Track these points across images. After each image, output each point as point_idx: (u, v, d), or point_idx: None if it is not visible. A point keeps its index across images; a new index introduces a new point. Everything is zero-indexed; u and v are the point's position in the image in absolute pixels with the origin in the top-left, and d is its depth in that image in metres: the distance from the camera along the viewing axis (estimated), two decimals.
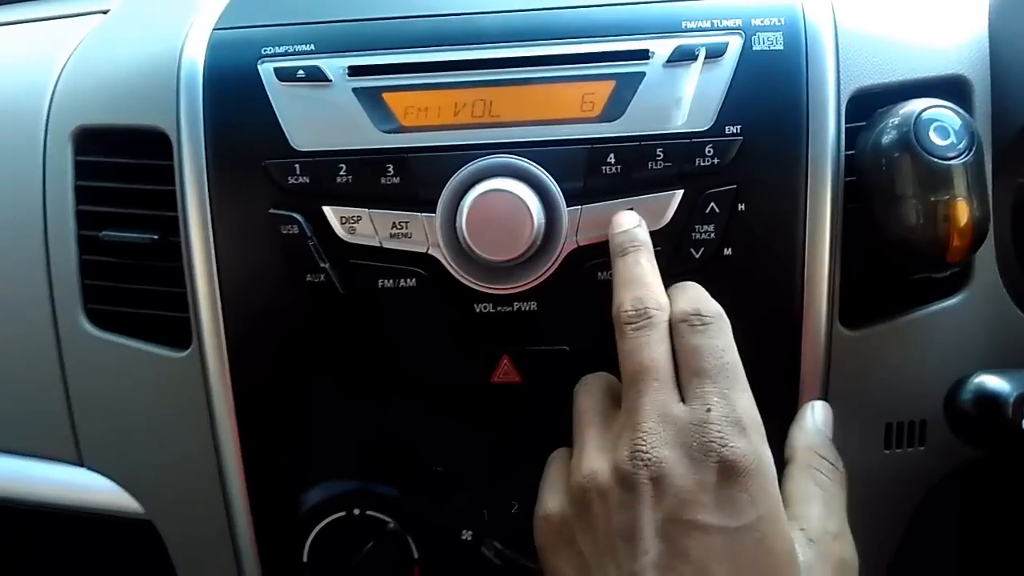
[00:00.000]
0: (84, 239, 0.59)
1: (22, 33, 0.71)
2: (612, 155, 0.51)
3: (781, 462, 0.48)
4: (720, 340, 0.46)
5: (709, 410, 0.43)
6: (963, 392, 0.48)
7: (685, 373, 0.45)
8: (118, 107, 0.59)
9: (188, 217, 0.54)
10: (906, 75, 0.54)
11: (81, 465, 0.62)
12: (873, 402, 0.55)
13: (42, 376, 0.61)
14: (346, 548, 0.56)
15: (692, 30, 0.52)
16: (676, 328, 0.46)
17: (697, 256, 0.51)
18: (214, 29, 0.56)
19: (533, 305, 0.53)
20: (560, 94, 0.52)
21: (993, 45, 0.55)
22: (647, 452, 0.42)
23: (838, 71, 0.52)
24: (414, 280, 0.52)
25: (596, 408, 0.48)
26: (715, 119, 0.51)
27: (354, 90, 0.52)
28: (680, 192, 0.51)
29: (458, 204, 0.50)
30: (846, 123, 0.52)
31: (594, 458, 0.44)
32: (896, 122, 0.49)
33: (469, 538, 0.56)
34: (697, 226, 0.51)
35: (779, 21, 0.52)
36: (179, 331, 0.57)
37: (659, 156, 0.51)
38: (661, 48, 0.51)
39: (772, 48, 0.51)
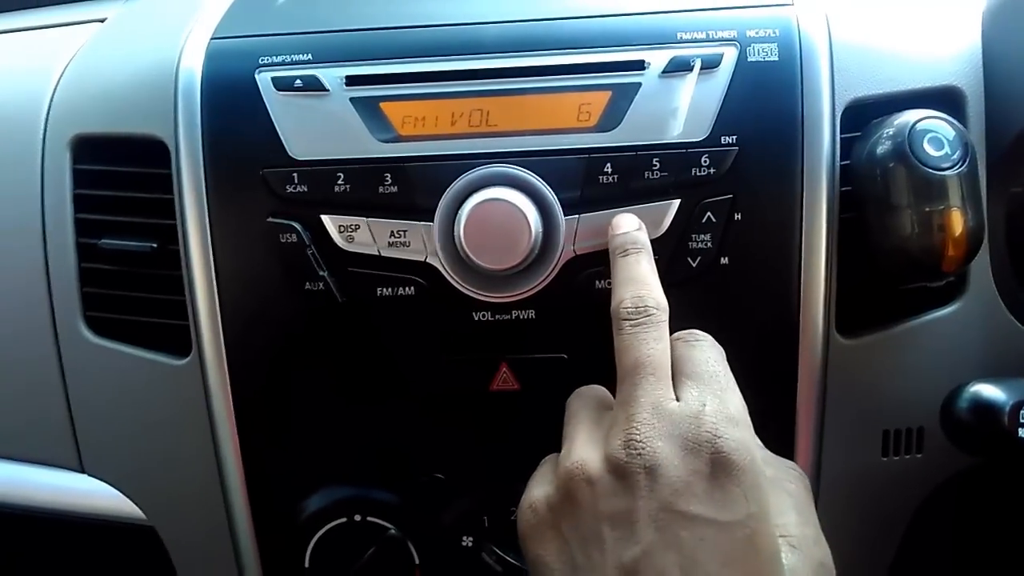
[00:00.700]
0: (83, 247, 0.60)
1: (20, 41, 0.71)
2: (609, 165, 0.51)
3: None
4: (712, 354, 0.46)
5: (704, 405, 0.43)
6: (959, 401, 0.48)
7: (678, 377, 0.45)
8: (116, 116, 0.59)
9: (186, 225, 0.54)
10: (900, 86, 0.54)
11: (82, 472, 0.63)
12: (870, 410, 0.56)
13: (43, 384, 0.62)
14: (347, 554, 0.56)
15: (688, 41, 0.52)
16: (671, 344, 0.46)
17: (694, 265, 0.52)
18: (212, 38, 0.56)
19: (531, 313, 0.53)
20: (557, 104, 0.52)
21: (986, 56, 0.55)
22: (641, 442, 0.42)
23: (833, 82, 0.52)
24: (412, 288, 0.53)
25: (587, 410, 0.48)
26: (711, 129, 0.51)
27: (351, 100, 0.52)
28: (677, 202, 0.51)
29: (456, 213, 0.51)
30: (841, 133, 0.53)
31: (582, 449, 0.44)
32: (891, 133, 0.49)
33: (469, 544, 0.56)
34: (694, 235, 0.51)
35: (774, 32, 0.52)
36: (179, 339, 0.57)
37: (656, 166, 0.51)
38: (657, 59, 0.52)
39: (767, 59, 0.51)
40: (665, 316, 0.46)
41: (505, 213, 0.50)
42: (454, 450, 0.56)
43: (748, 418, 0.45)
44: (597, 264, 0.51)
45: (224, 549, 0.59)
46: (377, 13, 0.57)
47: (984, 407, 0.47)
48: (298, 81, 0.53)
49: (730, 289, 0.52)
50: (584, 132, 0.52)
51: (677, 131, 0.51)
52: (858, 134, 0.52)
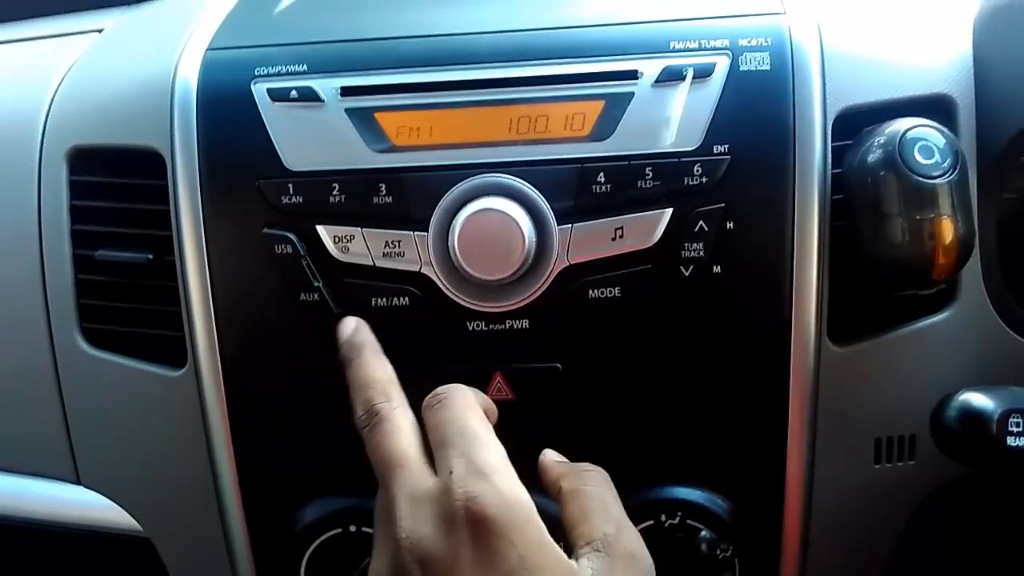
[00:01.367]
0: (79, 259, 0.60)
1: (18, 52, 0.71)
2: (602, 174, 0.51)
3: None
4: (455, 410, 0.47)
5: (451, 472, 0.43)
6: (948, 409, 0.48)
7: (434, 450, 0.46)
8: (112, 127, 0.59)
9: (182, 237, 0.54)
10: (892, 94, 0.55)
11: (78, 483, 0.63)
12: (862, 417, 0.56)
13: (39, 395, 0.62)
14: (343, 565, 0.56)
15: (680, 51, 0.52)
16: (422, 416, 0.47)
17: (687, 274, 0.52)
18: (208, 50, 0.56)
19: (525, 323, 0.53)
20: (551, 114, 0.52)
21: (977, 64, 0.56)
22: (407, 538, 0.42)
23: (824, 91, 0.53)
24: (407, 299, 0.53)
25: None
26: (703, 138, 0.51)
27: (347, 110, 0.53)
28: (669, 211, 0.51)
29: (450, 223, 0.51)
30: (833, 142, 0.53)
31: (380, 551, 0.45)
32: (881, 141, 0.50)
33: None
34: (686, 244, 0.51)
35: (766, 42, 0.52)
36: (175, 350, 0.57)
37: (648, 175, 0.51)
38: (649, 68, 0.52)
39: (759, 68, 0.52)
40: (396, 403, 0.47)
41: (499, 223, 0.50)
42: None
43: (501, 462, 0.44)
44: (591, 274, 0.52)
45: (220, 560, 0.59)
46: (372, 24, 0.57)
47: (973, 416, 0.47)
48: (293, 92, 0.53)
49: (722, 297, 0.52)
50: (577, 142, 0.52)
51: (670, 140, 0.51)
52: (850, 142, 0.53)
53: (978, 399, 0.48)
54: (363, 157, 0.52)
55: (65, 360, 0.61)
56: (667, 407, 0.54)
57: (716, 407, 0.54)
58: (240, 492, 0.57)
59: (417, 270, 0.52)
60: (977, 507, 0.60)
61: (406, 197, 0.52)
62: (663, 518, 0.55)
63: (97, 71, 0.64)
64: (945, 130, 0.50)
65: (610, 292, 0.52)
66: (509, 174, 0.52)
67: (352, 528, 0.56)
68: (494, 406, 0.51)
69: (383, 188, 0.52)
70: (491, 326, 0.53)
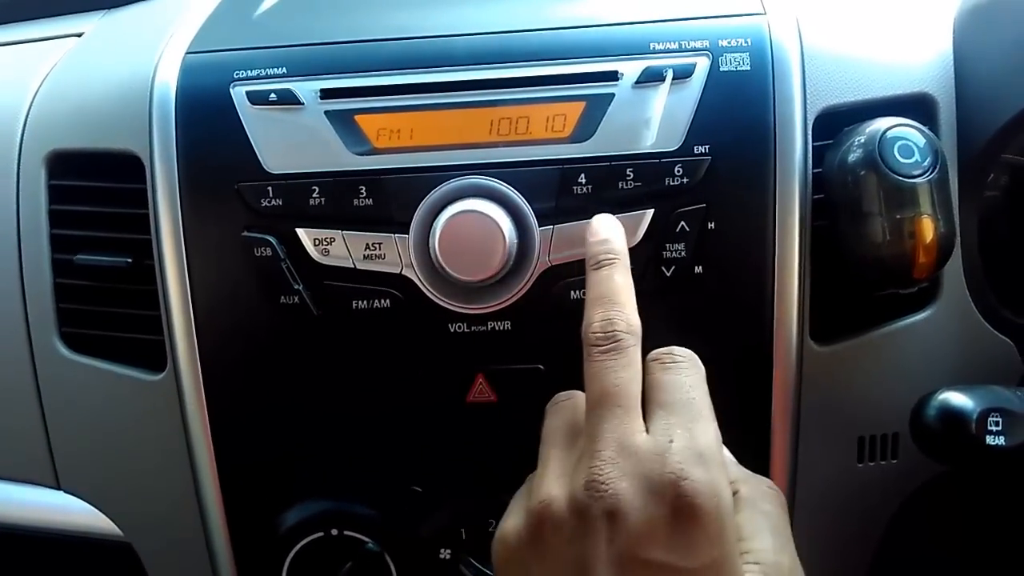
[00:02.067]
0: (58, 263, 0.60)
1: None
2: (583, 175, 0.51)
3: None
4: (689, 378, 0.45)
5: (672, 441, 0.41)
6: (927, 409, 0.48)
7: (650, 405, 0.44)
8: (91, 131, 0.59)
9: (161, 240, 0.54)
10: (872, 94, 0.55)
11: (58, 488, 0.62)
12: (845, 416, 0.56)
13: (18, 399, 0.61)
14: (325, 568, 0.56)
15: (660, 52, 0.52)
16: (647, 365, 0.46)
17: (668, 274, 0.52)
18: (187, 53, 0.56)
19: (507, 324, 0.53)
20: (531, 115, 0.52)
21: (958, 63, 0.56)
22: (604, 483, 0.40)
23: (804, 90, 0.53)
24: (388, 301, 0.53)
25: (562, 429, 0.47)
26: (684, 139, 0.51)
27: (326, 113, 0.52)
28: (650, 211, 0.51)
29: (431, 225, 0.51)
30: (813, 141, 0.53)
31: (551, 484, 0.43)
32: (861, 141, 0.50)
33: (447, 557, 0.56)
34: (668, 244, 0.51)
35: (745, 42, 0.52)
36: (154, 354, 0.57)
37: (629, 176, 0.51)
38: (630, 69, 0.52)
39: (739, 69, 0.52)
40: (636, 339, 0.45)
41: (479, 225, 0.50)
42: (431, 463, 0.55)
43: (719, 451, 0.43)
44: (572, 274, 0.52)
45: (201, 564, 0.59)
46: (352, 26, 0.57)
47: (952, 415, 0.47)
48: (273, 95, 0.53)
49: (704, 297, 0.52)
50: (558, 143, 0.52)
51: (650, 141, 0.51)
52: (830, 142, 0.53)
53: (957, 398, 0.48)
54: (343, 159, 0.52)
55: (44, 364, 0.60)
56: None
57: None
58: (221, 496, 0.56)
59: (398, 272, 0.52)
60: (960, 504, 0.61)
61: (387, 199, 0.52)
62: None
63: (76, 75, 0.64)
64: (925, 129, 0.50)
65: None
66: (490, 176, 0.52)
67: (334, 531, 0.56)
68: None
69: (363, 190, 0.52)
70: (473, 327, 0.53)
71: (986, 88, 0.55)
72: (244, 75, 0.54)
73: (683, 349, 0.47)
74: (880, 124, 0.50)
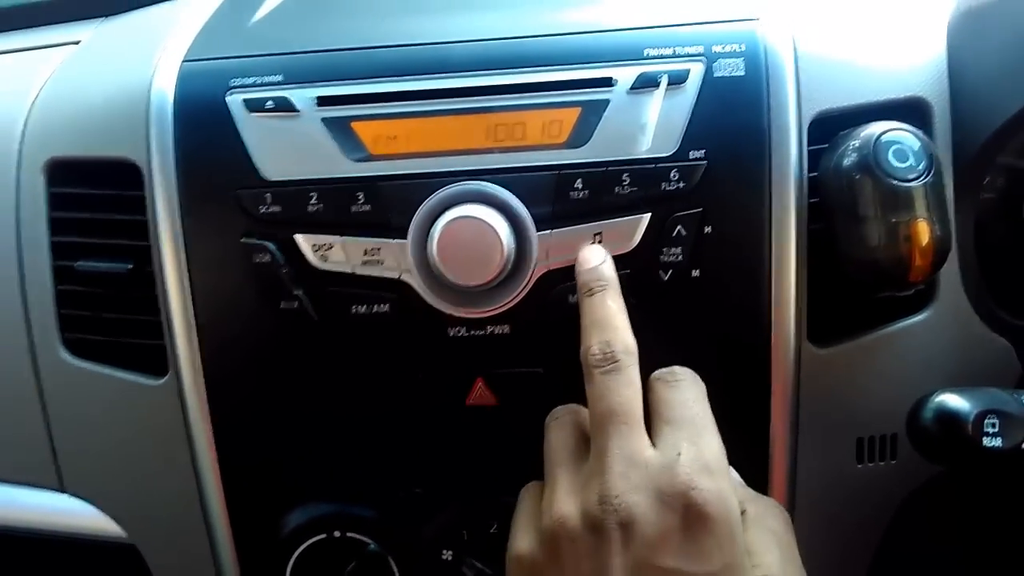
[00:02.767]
0: (59, 270, 0.60)
1: None
2: (580, 180, 0.51)
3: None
4: (691, 394, 0.47)
5: (679, 454, 0.43)
6: (924, 411, 0.48)
7: (656, 421, 0.46)
8: (89, 139, 0.59)
9: (161, 247, 0.54)
10: (866, 98, 0.55)
11: (62, 491, 0.63)
12: (843, 418, 0.56)
13: (22, 405, 0.62)
14: (328, 570, 0.56)
15: (655, 57, 0.52)
16: (650, 384, 0.47)
17: (666, 278, 0.52)
18: (184, 61, 0.56)
19: (506, 328, 0.53)
20: (527, 121, 0.52)
21: (952, 66, 0.56)
22: (616, 497, 0.42)
23: (799, 95, 0.53)
24: (387, 306, 0.53)
25: (567, 446, 0.48)
26: (679, 144, 0.51)
27: (323, 120, 0.53)
28: (647, 216, 0.51)
29: (429, 230, 0.51)
30: (808, 146, 0.53)
31: (564, 501, 0.44)
32: (856, 145, 0.50)
33: (449, 558, 0.57)
34: (665, 249, 0.52)
35: (740, 47, 0.52)
36: (156, 359, 0.57)
37: (625, 181, 0.51)
38: (624, 75, 0.52)
39: (733, 74, 0.52)
40: (633, 359, 0.46)
41: (477, 230, 0.50)
42: (433, 465, 0.56)
43: (725, 463, 0.45)
44: (570, 278, 0.52)
45: (205, 566, 0.59)
46: (348, 33, 0.57)
47: (949, 417, 0.47)
48: (269, 102, 0.53)
49: (702, 301, 0.52)
50: (554, 149, 0.52)
51: (646, 146, 0.51)
52: (825, 146, 0.53)
53: (954, 400, 0.48)
54: (340, 166, 0.52)
55: (47, 370, 0.61)
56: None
57: None
58: (224, 498, 0.57)
59: (397, 277, 0.52)
60: (960, 504, 0.61)
61: (384, 205, 0.52)
62: None
63: (74, 83, 0.64)
64: (919, 133, 0.50)
65: None
66: (487, 181, 0.52)
67: (337, 533, 0.56)
68: None
69: (361, 196, 0.52)
70: (472, 332, 0.53)
71: (981, 91, 0.55)
72: (241, 83, 0.54)
73: (683, 368, 0.49)
74: (875, 128, 0.50)
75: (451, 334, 0.53)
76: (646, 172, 0.51)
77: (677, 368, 0.48)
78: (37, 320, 0.61)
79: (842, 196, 0.50)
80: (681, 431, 0.45)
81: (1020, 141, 0.56)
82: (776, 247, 0.52)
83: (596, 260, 0.50)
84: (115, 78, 0.60)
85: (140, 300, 0.57)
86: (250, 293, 0.54)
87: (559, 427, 0.49)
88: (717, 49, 0.52)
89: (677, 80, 0.52)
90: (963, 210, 0.55)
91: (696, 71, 0.52)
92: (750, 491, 0.49)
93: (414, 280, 0.52)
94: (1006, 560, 0.63)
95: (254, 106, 0.53)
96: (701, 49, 0.52)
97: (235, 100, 0.53)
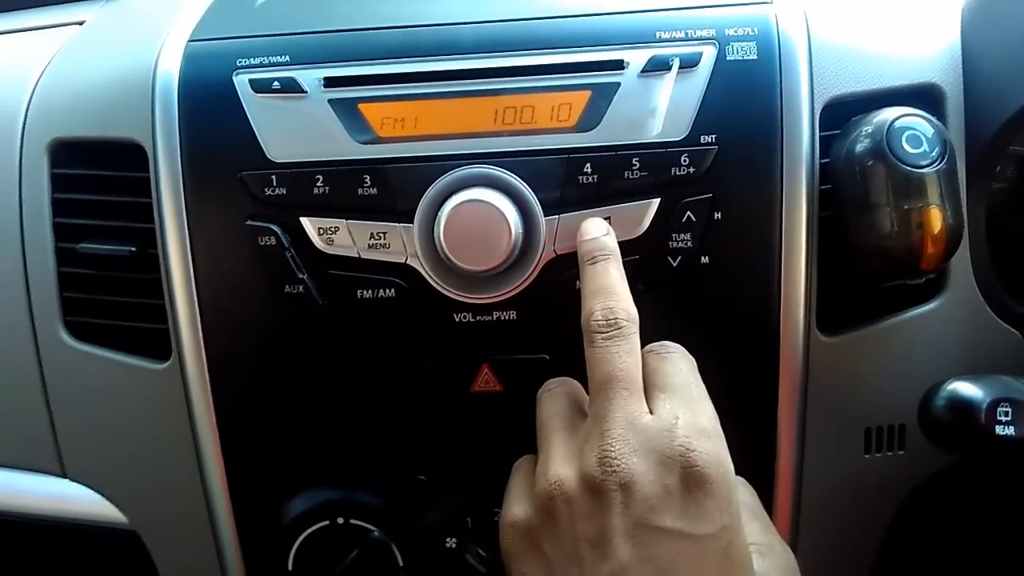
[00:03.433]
0: (62, 251, 0.59)
1: None
2: (588, 165, 0.51)
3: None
4: (683, 364, 0.47)
5: (677, 419, 0.44)
6: (936, 399, 0.48)
7: (651, 389, 0.46)
8: (94, 119, 0.59)
9: (165, 229, 0.54)
10: (879, 84, 0.54)
11: (64, 476, 0.62)
12: (852, 407, 0.56)
13: (23, 388, 0.61)
14: (331, 557, 0.56)
15: (666, 40, 0.52)
16: (642, 357, 0.47)
17: (675, 264, 0.52)
18: (189, 41, 0.56)
19: (512, 314, 0.53)
20: (536, 104, 0.52)
21: (966, 53, 0.55)
22: (616, 459, 0.42)
23: (812, 80, 0.52)
24: (393, 290, 0.52)
25: (561, 415, 0.48)
26: (690, 128, 0.51)
27: (330, 101, 0.52)
28: (656, 201, 0.51)
29: (436, 214, 0.51)
30: (820, 131, 0.53)
31: (560, 465, 0.45)
32: (869, 131, 0.49)
33: (453, 545, 0.56)
34: (674, 234, 0.51)
35: (752, 31, 0.52)
36: (159, 343, 0.57)
37: (635, 165, 0.51)
38: (636, 58, 0.51)
39: (746, 58, 0.51)
40: (635, 327, 0.47)
41: (485, 214, 0.50)
42: (437, 451, 0.55)
43: (720, 430, 0.45)
44: (577, 264, 0.51)
45: (207, 553, 0.59)
46: (355, 14, 0.57)
47: (961, 405, 0.47)
48: (276, 83, 0.53)
49: (710, 288, 0.52)
50: (563, 132, 0.51)
51: (656, 130, 0.51)
52: (837, 132, 0.52)
53: (966, 388, 0.47)
54: (347, 148, 0.52)
55: (49, 353, 0.60)
56: None
57: None
58: (227, 484, 0.56)
59: (403, 262, 0.52)
60: (968, 496, 0.60)
61: (391, 188, 0.52)
62: None
63: (78, 63, 0.64)
64: (933, 119, 0.50)
65: None
66: (495, 165, 0.51)
67: (340, 520, 0.56)
68: None
69: (367, 179, 0.52)
70: (478, 317, 0.53)
71: (994, 79, 0.54)
72: (247, 63, 0.53)
73: (673, 343, 0.49)
74: (888, 114, 0.50)
75: (457, 320, 0.53)
76: (656, 157, 0.51)
77: (668, 342, 0.49)
78: (39, 302, 0.60)
79: (854, 182, 0.50)
80: (676, 398, 0.45)
81: None
82: (786, 234, 0.52)
83: (598, 231, 0.50)
84: (120, 58, 0.60)
85: (143, 283, 0.57)
86: (255, 276, 0.53)
87: (552, 397, 0.50)
88: (730, 32, 0.52)
89: (689, 63, 0.51)
90: (975, 199, 0.55)
91: (708, 54, 0.51)
92: None
93: (420, 265, 0.52)
94: (1014, 550, 0.62)
95: (260, 87, 0.53)
96: (713, 32, 0.52)
97: (241, 81, 0.53)
